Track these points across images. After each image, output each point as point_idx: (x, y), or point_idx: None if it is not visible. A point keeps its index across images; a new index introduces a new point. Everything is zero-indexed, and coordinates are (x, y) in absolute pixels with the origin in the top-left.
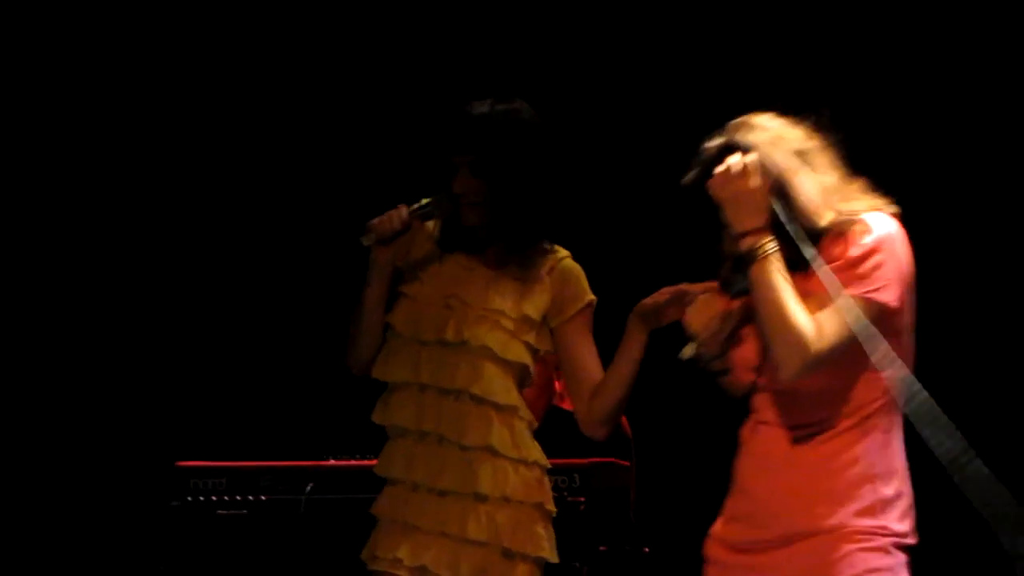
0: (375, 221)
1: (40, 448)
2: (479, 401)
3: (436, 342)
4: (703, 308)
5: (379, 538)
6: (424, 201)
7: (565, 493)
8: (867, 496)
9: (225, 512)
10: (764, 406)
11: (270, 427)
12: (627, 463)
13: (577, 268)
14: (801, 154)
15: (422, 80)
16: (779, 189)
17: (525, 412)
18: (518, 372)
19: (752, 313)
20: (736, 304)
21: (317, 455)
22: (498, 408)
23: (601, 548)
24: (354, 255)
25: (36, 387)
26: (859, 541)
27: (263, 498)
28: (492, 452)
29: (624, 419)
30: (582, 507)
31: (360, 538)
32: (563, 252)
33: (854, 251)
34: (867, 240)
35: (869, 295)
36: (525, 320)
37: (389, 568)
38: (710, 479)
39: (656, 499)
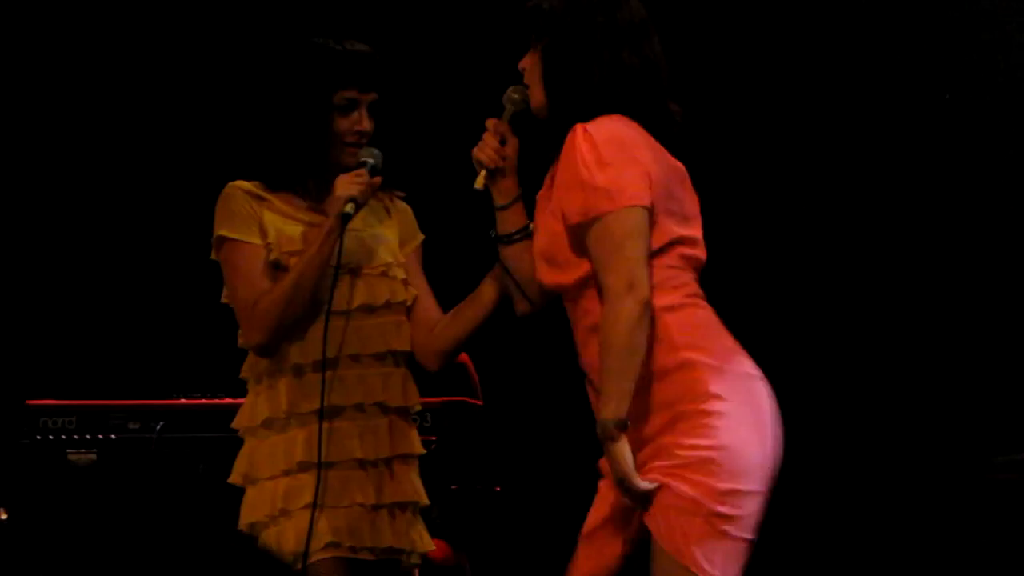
0: (476, 151)
1: None
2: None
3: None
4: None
5: None
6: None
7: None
8: None
9: (75, 451)
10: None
11: (120, 366)
12: (479, 402)
13: (409, 207)
14: None
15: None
16: None
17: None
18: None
19: None
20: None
21: (167, 394)
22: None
23: (452, 487)
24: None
25: None
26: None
27: (113, 437)
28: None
29: (469, 362)
30: (433, 446)
31: (209, 476)
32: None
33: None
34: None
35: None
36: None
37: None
38: (558, 419)
39: (506, 439)
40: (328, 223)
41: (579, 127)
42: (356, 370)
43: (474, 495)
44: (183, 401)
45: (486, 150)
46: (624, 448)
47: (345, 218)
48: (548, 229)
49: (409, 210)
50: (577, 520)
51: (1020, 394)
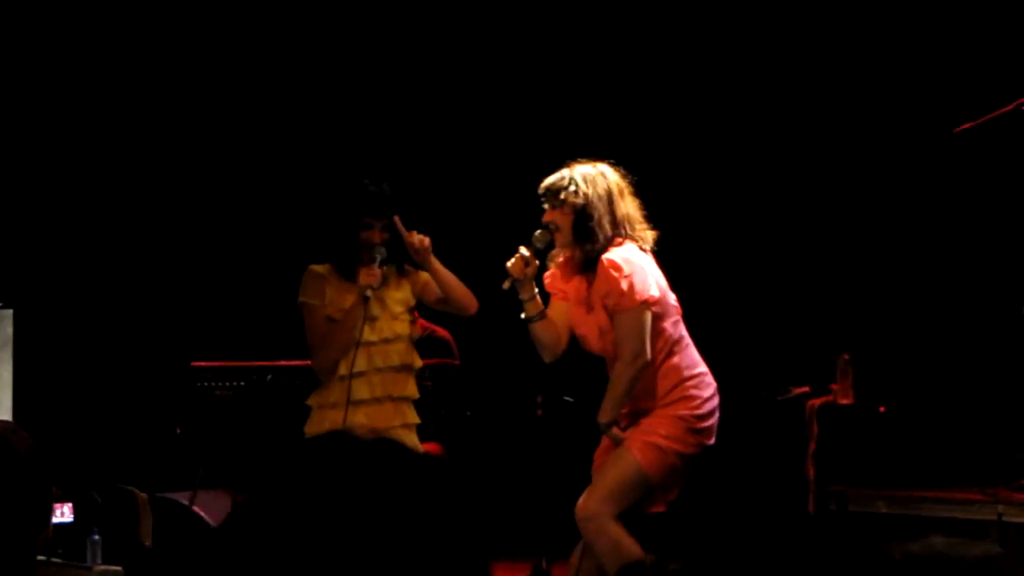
0: (508, 265)
1: None
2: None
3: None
4: (519, 260)
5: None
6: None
7: (422, 380)
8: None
9: (221, 390)
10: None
11: (242, 337)
12: (456, 363)
13: (415, 270)
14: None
15: None
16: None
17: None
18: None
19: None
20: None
21: (274, 357)
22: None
23: (442, 412)
24: None
25: None
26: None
27: (242, 383)
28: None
29: (451, 338)
30: (429, 386)
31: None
32: None
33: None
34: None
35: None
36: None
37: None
38: (510, 372)
39: (474, 384)
40: (355, 300)
41: (604, 259)
42: (379, 376)
43: (454, 417)
44: (283, 363)
45: (516, 266)
46: (613, 430)
47: (365, 299)
48: (596, 322)
49: (415, 272)
50: (516, 427)
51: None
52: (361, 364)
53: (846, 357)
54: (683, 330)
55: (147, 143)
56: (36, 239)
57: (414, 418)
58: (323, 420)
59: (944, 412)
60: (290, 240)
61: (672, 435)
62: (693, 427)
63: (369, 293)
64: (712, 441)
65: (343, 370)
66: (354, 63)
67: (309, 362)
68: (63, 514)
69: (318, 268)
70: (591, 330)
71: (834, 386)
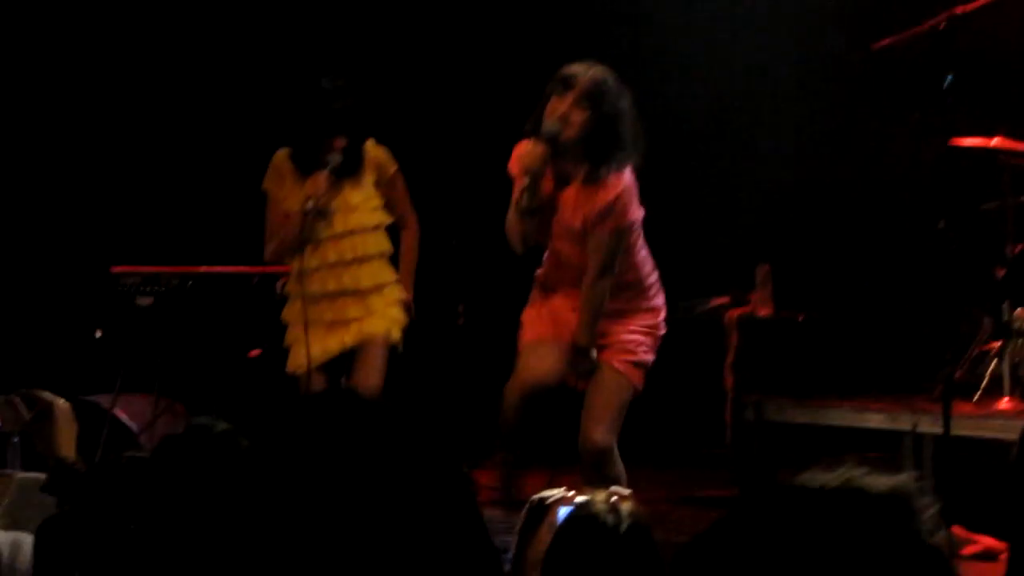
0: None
1: None
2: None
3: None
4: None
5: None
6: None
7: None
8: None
9: (141, 297)
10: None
11: (167, 241)
12: None
13: (378, 147)
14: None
15: None
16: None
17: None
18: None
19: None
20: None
21: (196, 263)
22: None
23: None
24: None
25: None
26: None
27: (163, 288)
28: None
29: None
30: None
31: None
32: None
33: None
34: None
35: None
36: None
37: None
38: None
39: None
40: (298, 215)
41: (611, 178)
42: (332, 271)
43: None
44: (204, 269)
45: (537, 157)
46: (591, 353)
47: (305, 214)
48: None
49: (379, 151)
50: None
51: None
52: (312, 261)
53: (765, 268)
54: (641, 236)
55: (83, 41)
56: None
57: (389, 296)
58: (292, 309)
59: (862, 322)
60: (223, 140)
61: (649, 346)
62: (659, 333)
63: (310, 205)
64: None
65: (296, 264)
66: None
67: (232, 268)
68: None
69: (280, 154)
70: (571, 245)
71: (753, 296)
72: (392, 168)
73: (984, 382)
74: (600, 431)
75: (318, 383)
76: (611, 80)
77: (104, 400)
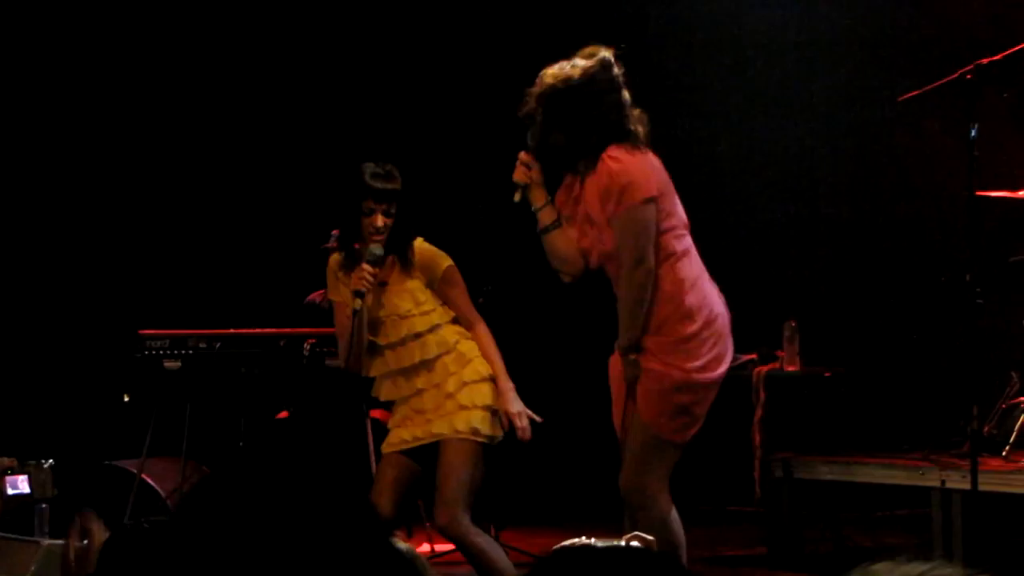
0: (514, 176)
1: None
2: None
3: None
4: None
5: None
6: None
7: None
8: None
9: (168, 360)
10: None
11: (194, 305)
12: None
13: (426, 248)
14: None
15: None
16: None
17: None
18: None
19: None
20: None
21: (224, 325)
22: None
23: None
24: None
25: None
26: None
27: (190, 352)
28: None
29: None
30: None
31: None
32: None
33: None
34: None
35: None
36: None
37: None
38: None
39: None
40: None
41: (605, 156)
42: (402, 376)
43: None
44: (231, 331)
45: (520, 172)
46: (631, 356)
47: (355, 312)
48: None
49: (427, 251)
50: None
51: None
52: (378, 368)
53: (792, 324)
54: (689, 244)
55: (102, 105)
56: None
57: (466, 398)
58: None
59: (889, 378)
60: (248, 204)
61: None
62: (695, 378)
63: (359, 305)
64: (722, 367)
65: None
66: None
67: (258, 330)
68: (17, 486)
69: (333, 259)
70: (593, 242)
71: (780, 352)
72: (441, 267)
73: (1012, 437)
74: (625, 475)
75: (392, 467)
76: (574, 78)
77: (132, 464)
